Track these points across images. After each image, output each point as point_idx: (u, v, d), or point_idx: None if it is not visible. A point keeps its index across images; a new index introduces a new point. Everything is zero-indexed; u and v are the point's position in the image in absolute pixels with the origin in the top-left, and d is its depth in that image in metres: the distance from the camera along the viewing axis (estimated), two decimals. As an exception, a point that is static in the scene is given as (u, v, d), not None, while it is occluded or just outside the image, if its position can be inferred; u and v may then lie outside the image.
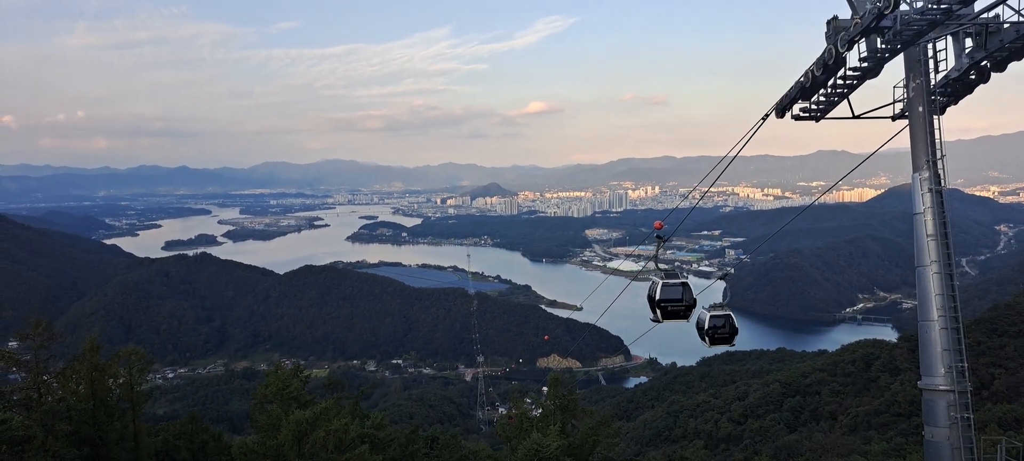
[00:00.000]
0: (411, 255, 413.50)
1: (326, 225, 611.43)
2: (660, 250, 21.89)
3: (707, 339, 20.95)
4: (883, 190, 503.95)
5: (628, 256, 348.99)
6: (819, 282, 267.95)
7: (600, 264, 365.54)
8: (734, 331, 20.95)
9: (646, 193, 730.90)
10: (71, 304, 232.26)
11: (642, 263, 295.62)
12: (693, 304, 20.78)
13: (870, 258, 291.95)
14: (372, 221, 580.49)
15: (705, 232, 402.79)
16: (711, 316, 20.73)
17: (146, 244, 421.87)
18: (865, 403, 74.40)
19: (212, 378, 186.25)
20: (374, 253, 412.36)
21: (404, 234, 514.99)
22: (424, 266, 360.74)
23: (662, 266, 21.46)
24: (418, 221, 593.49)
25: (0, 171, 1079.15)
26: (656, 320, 21.12)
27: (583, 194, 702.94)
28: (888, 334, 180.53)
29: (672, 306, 20.73)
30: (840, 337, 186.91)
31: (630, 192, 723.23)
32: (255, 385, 51.72)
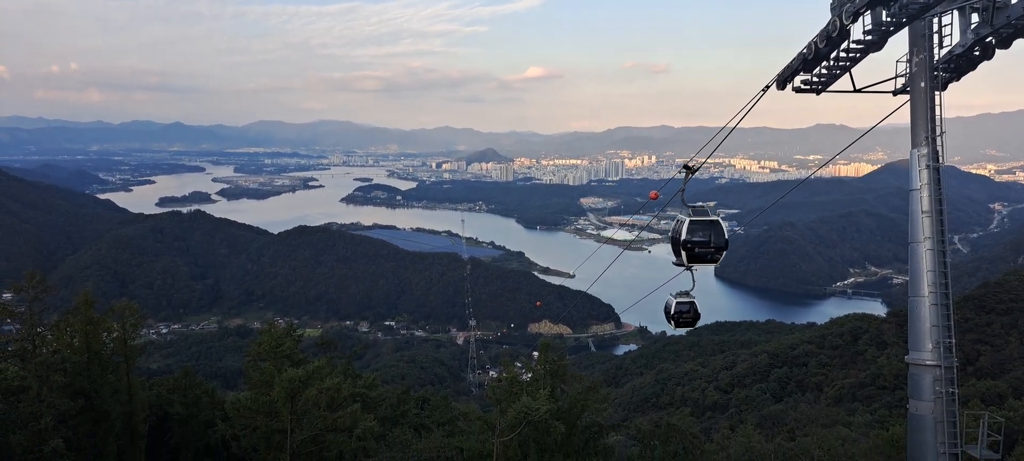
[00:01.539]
0: (405, 218, 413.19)
1: (321, 186, 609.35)
2: (687, 181, 19.21)
3: (672, 322, 22.46)
4: (880, 165, 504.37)
5: (623, 225, 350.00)
6: (812, 255, 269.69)
7: (594, 233, 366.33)
8: (697, 316, 22.30)
9: (643, 162, 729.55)
10: (65, 258, 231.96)
11: (636, 232, 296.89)
12: (725, 246, 18.83)
13: (863, 233, 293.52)
14: (367, 183, 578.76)
15: (700, 203, 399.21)
16: (677, 302, 22.13)
17: (140, 200, 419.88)
18: (851, 376, 75.63)
19: (205, 335, 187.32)
20: (368, 216, 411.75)
21: (399, 197, 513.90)
22: (418, 230, 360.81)
23: (690, 205, 19.17)
24: (413, 185, 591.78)
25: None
26: (680, 264, 19.29)
27: (579, 162, 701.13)
28: (877, 309, 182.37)
29: (700, 248, 18.74)
30: (830, 310, 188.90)
31: (627, 161, 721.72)
32: (248, 343, 52.27)
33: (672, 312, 22.27)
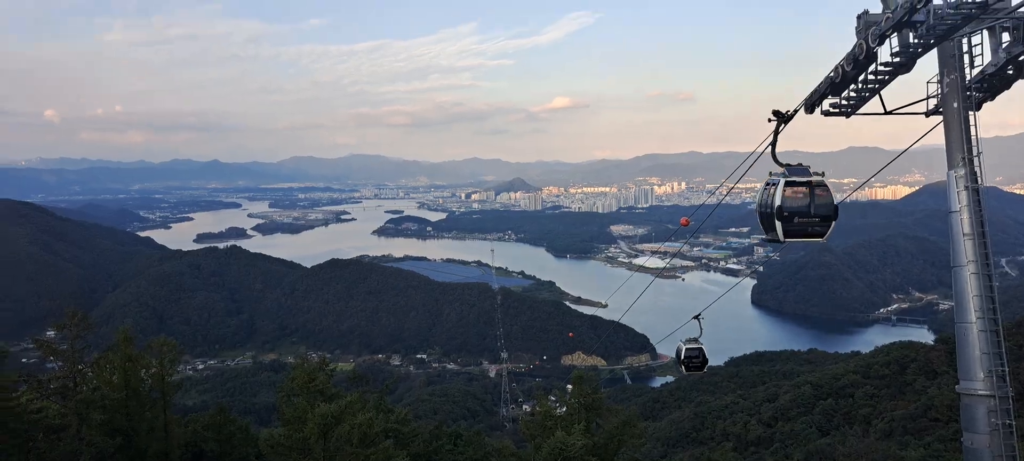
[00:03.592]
0: (436, 249, 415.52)
1: (353, 219, 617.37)
2: (778, 131, 16.03)
3: (682, 367, 23.98)
4: (917, 187, 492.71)
5: (654, 253, 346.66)
6: (851, 281, 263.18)
7: (626, 261, 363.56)
8: (705, 361, 23.82)
9: (672, 189, 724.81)
10: (106, 295, 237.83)
11: (668, 260, 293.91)
12: (833, 214, 15.67)
13: (904, 257, 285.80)
14: (398, 215, 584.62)
15: (733, 229, 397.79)
16: (687, 348, 23.74)
17: (179, 237, 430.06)
18: (901, 407, 72.66)
19: (240, 370, 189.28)
20: (399, 247, 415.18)
21: (429, 228, 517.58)
22: (448, 261, 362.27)
23: (784, 164, 16.06)
24: (443, 216, 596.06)
25: (41, 164, 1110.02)
26: (775, 239, 15.93)
27: (608, 190, 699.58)
28: (924, 336, 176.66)
29: (800, 218, 15.63)
30: (874, 338, 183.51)
31: (656, 188, 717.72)
32: (282, 378, 52.44)
33: (682, 357, 23.87)
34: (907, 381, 79.36)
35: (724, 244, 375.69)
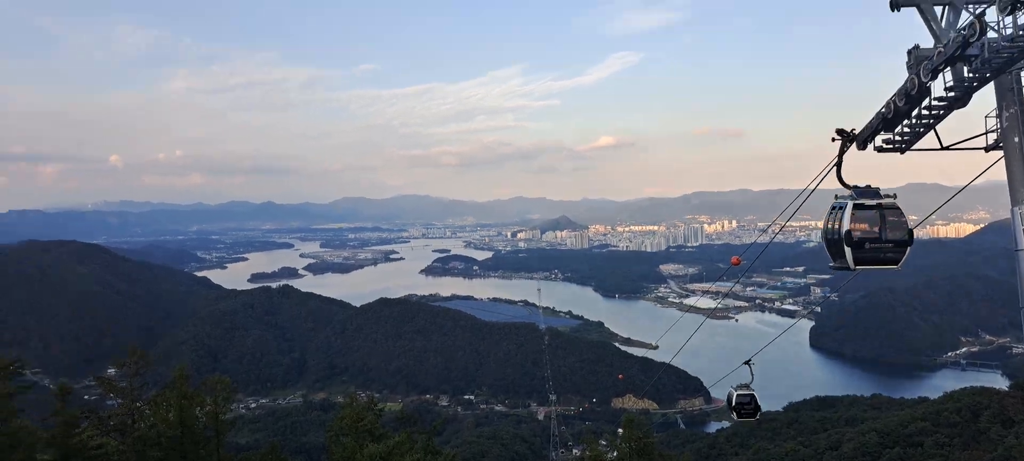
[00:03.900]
0: (482, 288, 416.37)
1: (401, 258, 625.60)
2: (843, 151, 14.96)
3: (734, 413, 23.93)
4: (982, 225, 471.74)
5: (705, 292, 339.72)
6: (916, 323, 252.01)
7: (676, 301, 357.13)
8: (758, 408, 23.68)
9: (723, 227, 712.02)
10: (165, 333, 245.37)
11: (720, 300, 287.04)
12: (908, 240, 14.77)
13: (972, 298, 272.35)
14: (445, 254, 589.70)
15: (787, 268, 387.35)
16: (738, 394, 23.70)
17: (234, 276, 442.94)
18: (975, 457, 68.57)
19: (291, 409, 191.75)
20: (446, 286, 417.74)
21: (475, 267, 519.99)
22: (495, 300, 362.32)
23: (851, 185, 15.07)
24: (489, 255, 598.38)
25: (105, 207, 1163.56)
26: (845, 266, 14.88)
27: (656, 228, 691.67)
28: (997, 381, 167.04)
29: (872, 244, 14.48)
30: (942, 383, 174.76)
31: (706, 226, 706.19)
32: (331, 417, 52.80)
33: (733, 404, 23.84)
34: (981, 429, 75.02)
35: (778, 284, 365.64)
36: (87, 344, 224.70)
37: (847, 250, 14.50)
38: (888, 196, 15.02)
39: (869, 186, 15.07)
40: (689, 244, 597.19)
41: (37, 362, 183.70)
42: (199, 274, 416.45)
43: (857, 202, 14.71)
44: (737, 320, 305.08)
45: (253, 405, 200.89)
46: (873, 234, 14.48)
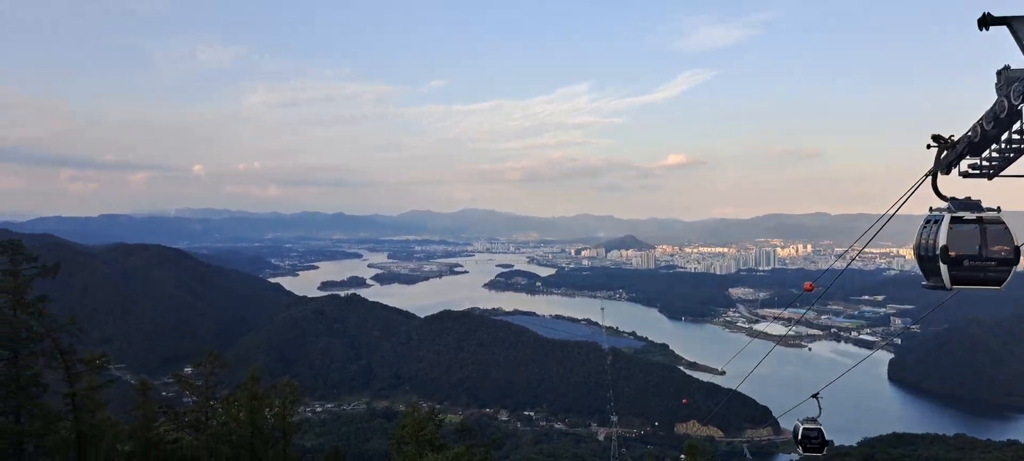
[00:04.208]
0: (545, 305, 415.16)
1: (465, 272, 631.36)
2: (941, 159, 13.46)
3: (800, 447, 23.19)
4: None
5: (776, 318, 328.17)
6: (1006, 358, 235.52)
7: (745, 325, 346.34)
8: (825, 442, 22.96)
9: (796, 251, 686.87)
10: (240, 336, 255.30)
11: (792, 327, 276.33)
12: (1015, 258, 13.13)
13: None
14: (508, 269, 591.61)
15: (866, 297, 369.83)
16: (805, 427, 23.07)
17: (304, 284, 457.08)
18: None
19: (355, 415, 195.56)
20: (509, 301, 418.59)
21: (538, 283, 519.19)
22: (557, 317, 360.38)
23: (948, 197, 13.59)
24: (552, 271, 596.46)
25: (189, 213, 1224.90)
26: (940, 286, 13.24)
27: (726, 250, 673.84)
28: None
29: (971, 261, 12.97)
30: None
31: (778, 250, 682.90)
32: (394, 425, 53.53)
33: (799, 436, 23.25)
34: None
35: (856, 313, 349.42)
36: (167, 343, 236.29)
37: (943, 267, 13.00)
38: (991, 209, 13.54)
39: (969, 198, 13.61)
40: (760, 268, 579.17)
41: (121, 358, 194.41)
42: (272, 280, 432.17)
43: (955, 215, 13.30)
44: (810, 349, 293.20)
45: (319, 409, 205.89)
46: (973, 250, 13.00)
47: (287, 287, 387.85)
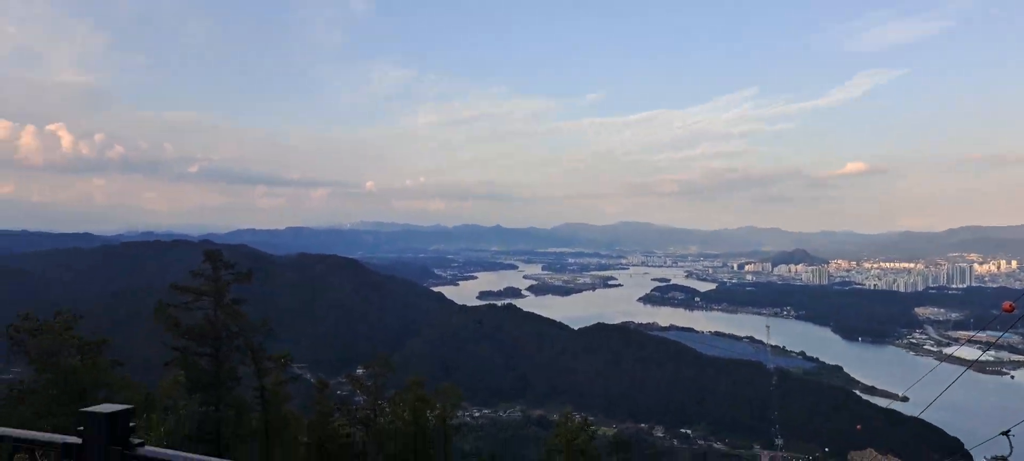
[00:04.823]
0: (704, 321, 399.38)
1: (619, 285, 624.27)
2: None
3: None
4: None
5: (971, 341, 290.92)
6: None
7: (933, 349, 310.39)
8: None
9: (998, 267, 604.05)
10: (406, 341, 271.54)
11: (988, 351, 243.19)
12: None
13: None
14: (664, 283, 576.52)
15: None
16: None
17: (464, 293, 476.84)
18: None
19: (511, 421, 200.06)
20: (665, 316, 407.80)
21: (697, 299, 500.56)
22: (717, 334, 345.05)
23: None
24: (712, 286, 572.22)
25: (362, 226, 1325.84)
26: None
27: (912, 265, 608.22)
28: None
29: None
30: None
31: (976, 266, 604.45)
32: (548, 433, 54.34)
33: None
34: None
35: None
36: (342, 345, 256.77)
37: None
38: None
39: None
40: (953, 285, 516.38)
41: (301, 358, 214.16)
42: (436, 289, 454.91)
43: None
44: (1012, 376, 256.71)
45: (477, 414, 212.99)
46: None
47: (448, 296, 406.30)
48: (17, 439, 6.28)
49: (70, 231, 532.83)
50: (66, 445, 5.52)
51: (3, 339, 39.53)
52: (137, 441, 5.31)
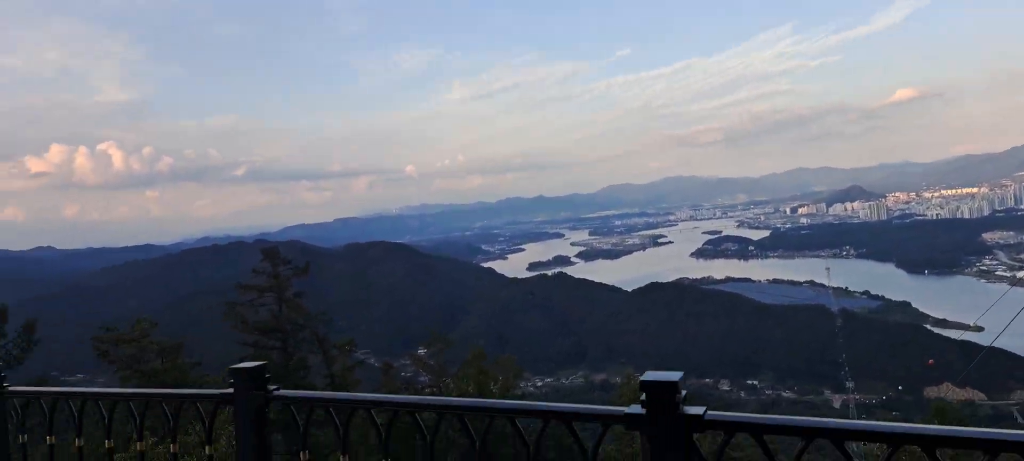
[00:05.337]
0: (760, 270, 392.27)
1: (669, 242, 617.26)
2: None
3: None
4: None
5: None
6: None
7: (1006, 274, 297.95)
8: None
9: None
10: (460, 319, 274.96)
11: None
12: None
13: None
14: (716, 236, 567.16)
15: None
16: None
17: (514, 266, 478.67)
18: None
19: (574, 388, 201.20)
20: (719, 269, 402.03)
21: (751, 248, 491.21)
22: (775, 281, 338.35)
23: None
24: (766, 233, 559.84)
25: (407, 211, 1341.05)
26: None
27: (976, 190, 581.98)
28: None
29: None
30: None
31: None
32: (611, 396, 54.39)
33: None
34: None
35: None
36: (399, 327, 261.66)
37: None
38: None
39: None
40: (1021, 207, 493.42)
41: (364, 344, 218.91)
42: (485, 265, 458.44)
43: None
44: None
45: (540, 383, 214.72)
46: None
47: (498, 270, 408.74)
48: (182, 396, 7.86)
49: (131, 244, 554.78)
50: (222, 395, 6.92)
51: (88, 352, 41.41)
52: (272, 387, 6.72)
